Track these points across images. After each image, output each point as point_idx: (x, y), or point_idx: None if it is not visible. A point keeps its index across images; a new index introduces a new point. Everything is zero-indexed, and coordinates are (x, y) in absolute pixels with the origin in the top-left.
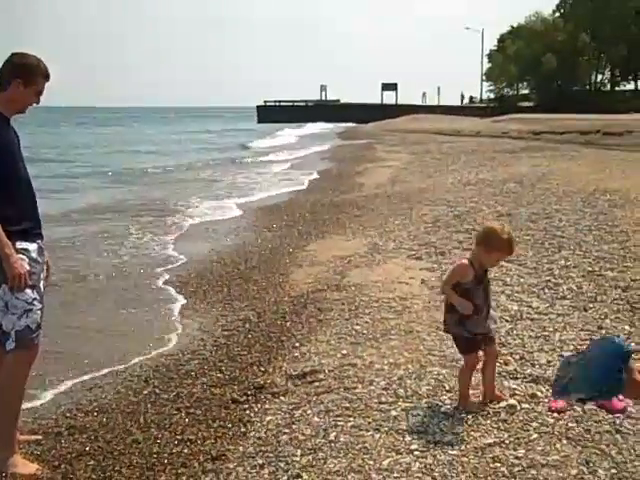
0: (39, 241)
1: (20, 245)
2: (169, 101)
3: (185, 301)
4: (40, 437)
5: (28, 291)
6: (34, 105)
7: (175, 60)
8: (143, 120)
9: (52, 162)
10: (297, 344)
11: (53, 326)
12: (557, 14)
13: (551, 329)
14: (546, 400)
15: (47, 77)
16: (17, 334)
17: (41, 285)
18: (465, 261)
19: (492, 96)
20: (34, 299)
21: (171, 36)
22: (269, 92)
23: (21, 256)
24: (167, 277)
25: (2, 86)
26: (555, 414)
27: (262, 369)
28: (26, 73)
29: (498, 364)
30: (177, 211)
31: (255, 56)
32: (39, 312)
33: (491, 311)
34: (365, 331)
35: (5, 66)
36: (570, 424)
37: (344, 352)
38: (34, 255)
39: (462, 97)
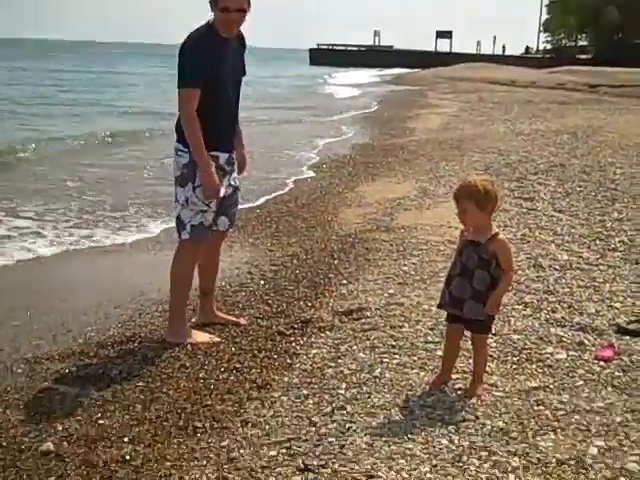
0: (232, 153)
1: (212, 153)
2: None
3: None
4: (245, 322)
5: None
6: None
7: None
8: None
9: None
10: (344, 282)
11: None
12: None
13: (601, 280)
14: (593, 348)
15: None
16: (192, 228)
17: (222, 191)
18: None
19: (549, 47)
20: (211, 202)
21: None
22: (322, 36)
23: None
24: None
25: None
26: (602, 362)
27: (309, 304)
28: None
29: (546, 311)
30: None
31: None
32: (212, 214)
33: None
34: (413, 272)
35: None
36: (617, 373)
37: (391, 292)
38: (221, 162)
39: (504, 48)
